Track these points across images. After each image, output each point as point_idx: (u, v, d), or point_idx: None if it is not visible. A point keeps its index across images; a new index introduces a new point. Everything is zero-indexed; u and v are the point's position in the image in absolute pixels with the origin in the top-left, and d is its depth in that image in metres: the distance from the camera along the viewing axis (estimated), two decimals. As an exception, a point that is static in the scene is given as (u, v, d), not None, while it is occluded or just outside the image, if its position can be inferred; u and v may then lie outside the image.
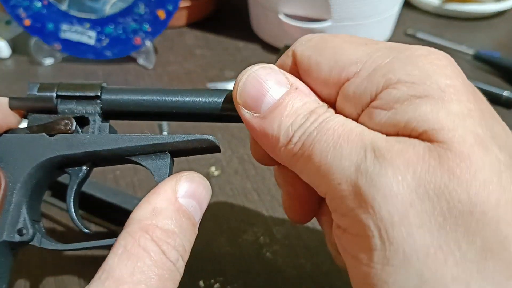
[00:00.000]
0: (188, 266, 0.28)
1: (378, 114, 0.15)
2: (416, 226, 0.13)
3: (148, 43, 0.48)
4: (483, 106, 0.15)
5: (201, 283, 0.27)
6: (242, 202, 0.32)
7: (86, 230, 0.20)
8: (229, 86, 0.45)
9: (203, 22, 0.58)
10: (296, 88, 0.17)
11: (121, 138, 0.19)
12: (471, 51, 0.49)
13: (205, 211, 0.31)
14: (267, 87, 0.17)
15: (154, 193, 0.17)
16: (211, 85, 0.45)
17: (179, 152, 0.19)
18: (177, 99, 0.20)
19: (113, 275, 0.15)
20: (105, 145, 0.19)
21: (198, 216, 0.18)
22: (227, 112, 0.20)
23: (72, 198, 0.20)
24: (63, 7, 0.47)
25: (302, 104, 0.17)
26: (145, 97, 0.20)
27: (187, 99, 0.20)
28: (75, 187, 0.20)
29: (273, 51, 0.50)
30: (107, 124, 0.20)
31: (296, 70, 0.18)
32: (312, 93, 0.17)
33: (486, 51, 0.49)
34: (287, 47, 0.46)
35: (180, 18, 0.56)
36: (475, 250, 0.13)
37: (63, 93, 0.20)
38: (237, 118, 0.19)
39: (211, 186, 0.35)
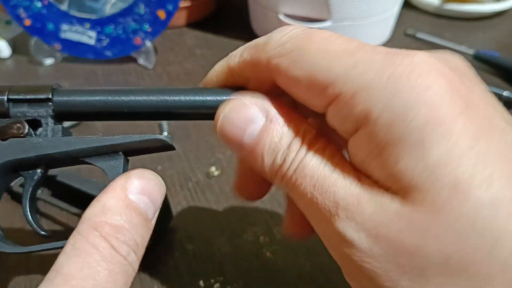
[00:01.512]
0: (188, 266, 0.28)
1: (361, 153, 0.15)
2: (395, 281, 0.14)
3: (148, 43, 0.48)
4: (480, 122, 0.14)
5: (201, 283, 0.27)
6: (242, 202, 0.32)
7: (42, 233, 0.20)
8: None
9: (203, 22, 0.58)
10: (271, 120, 0.17)
11: (73, 140, 0.19)
12: (471, 51, 0.49)
13: (205, 211, 0.31)
14: (244, 127, 0.17)
15: (104, 192, 0.17)
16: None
17: (133, 152, 0.20)
18: (129, 98, 0.20)
19: (62, 272, 0.15)
20: (57, 148, 0.19)
21: (151, 212, 0.18)
22: (177, 110, 0.20)
23: (28, 200, 0.20)
24: (63, 7, 0.47)
25: (278, 140, 0.17)
26: (97, 98, 0.20)
27: (139, 98, 0.20)
28: (30, 190, 0.20)
29: (273, 51, 0.50)
30: (60, 126, 0.20)
31: (271, 73, 0.17)
32: (289, 115, 0.17)
33: (486, 51, 0.49)
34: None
35: (180, 18, 0.56)
36: None
37: (14, 96, 0.20)
38: (190, 116, 0.20)
39: (211, 186, 0.35)
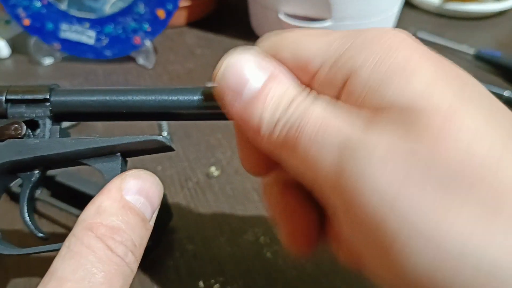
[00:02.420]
0: (188, 266, 0.28)
1: (353, 96, 0.15)
2: (416, 198, 0.13)
3: (148, 43, 0.48)
4: (447, 69, 0.15)
5: (201, 283, 0.27)
6: (243, 202, 0.32)
7: (40, 234, 0.20)
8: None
9: (203, 22, 0.58)
10: (277, 74, 0.17)
11: (71, 141, 0.19)
12: (471, 51, 0.49)
13: (205, 211, 0.31)
14: (247, 75, 0.17)
15: (100, 193, 0.17)
16: (211, 85, 0.45)
17: (131, 153, 0.19)
18: (127, 98, 0.19)
19: (56, 275, 0.15)
20: (54, 149, 0.19)
21: (148, 212, 0.17)
22: (175, 110, 0.20)
23: (26, 202, 0.20)
24: (63, 6, 0.47)
25: (283, 92, 0.16)
26: (95, 98, 0.20)
27: (137, 98, 0.19)
28: (27, 191, 0.20)
29: (273, 51, 0.50)
30: (58, 127, 0.20)
31: None
32: (293, 77, 0.17)
33: (487, 50, 0.49)
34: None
35: (180, 17, 0.56)
36: (483, 203, 0.12)
37: (12, 97, 0.20)
38: (189, 116, 0.20)
39: (211, 186, 0.35)
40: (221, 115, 0.20)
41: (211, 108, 0.19)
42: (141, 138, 0.19)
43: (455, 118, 0.13)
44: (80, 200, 0.30)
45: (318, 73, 0.16)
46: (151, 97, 0.19)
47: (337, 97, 0.16)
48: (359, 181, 0.14)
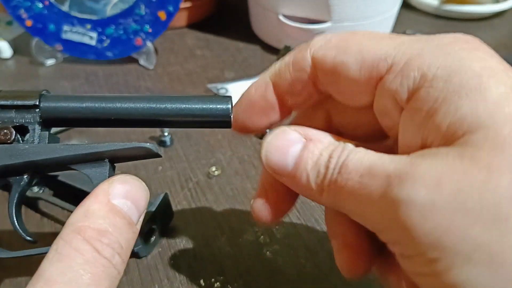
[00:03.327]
0: (189, 266, 0.28)
1: (418, 116, 0.15)
2: (468, 228, 0.13)
3: (149, 44, 0.48)
4: None
5: (201, 282, 0.27)
6: (243, 202, 0.32)
7: (28, 238, 0.20)
8: (229, 86, 0.45)
9: (204, 23, 0.58)
10: (310, 139, 0.18)
11: (59, 147, 0.19)
12: (470, 52, 0.49)
13: (205, 211, 0.32)
14: (286, 150, 0.18)
15: (87, 198, 0.17)
16: (211, 86, 0.45)
17: (119, 159, 0.20)
18: (115, 105, 0.20)
19: (44, 277, 0.15)
20: (43, 154, 0.19)
21: (135, 216, 0.18)
22: (164, 118, 0.20)
23: (14, 206, 0.20)
24: (64, 8, 0.47)
25: (319, 154, 0.17)
26: (84, 105, 0.20)
27: (126, 105, 0.20)
28: (16, 195, 0.20)
29: (273, 52, 0.51)
30: (47, 133, 0.20)
31: (315, 75, 0.18)
32: (327, 135, 0.18)
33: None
34: (287, 47, 0.47)
35: (180, 19, 0.56)
36: None
37: (2, 102, 0.20)
38: (178, 124, 0.20)
39: (211, 186, 0.35)
40: (211, 123, 0.20)
41: (199, 116, 0.20)
42: (129, 145, 0.19)
43: (510, 151, 0.13)
44: (81, 199, 0.30)
45: (386, 76, 0.16)
46: (140, 105, 0.20)
47: (402, 106, 0.16)
48: (408, 224, 0.14)
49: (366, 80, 0.17)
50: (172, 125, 0.20)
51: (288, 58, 0.19)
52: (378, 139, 0.20)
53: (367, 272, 0.20)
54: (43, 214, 0.31)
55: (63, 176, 0.30)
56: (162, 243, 0.29)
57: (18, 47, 0.52)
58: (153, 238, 0.29)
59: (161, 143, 0.38)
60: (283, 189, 0.21)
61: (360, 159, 0.16)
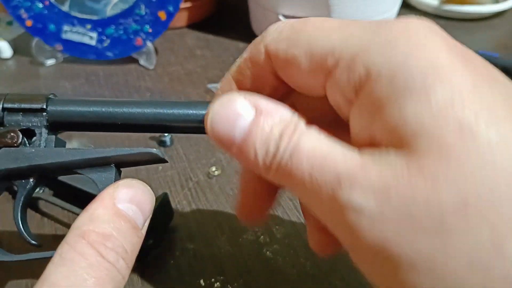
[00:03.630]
0: (189, 265, 0.28)
1: (365, 114, 0.15)
2: (412, 235, 0.13)
3: (149, 44, 0.48)
4: (480, 72, 0.14)
5: (201, 282, 0.27)
6: (243, 202, 0.32)
7: (33, 242, 0.20)
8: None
9: (204, 23, 0.58)
10: (261, 112, 0.16)
11: (66, 151, 0.19)
12: (470, 52, 0.49)
13: (206, 210, 0.32)
14: (234, 121, 0.16)
15: (93, 202, 0.17)
16: (211, 86, 0.45)
17: (125, 164, 0.20)
18: (122, 110, 0.20)
19: (49, 281, 0.15)
20: (49, 158, 0.19)
21: (140, 220, 0.18)
22: (170, 123, 0.20)
23: (19, 210, 0.20)
24: (65, 8, 0.47)
25: (269, 130, 0.16)
26: (91, 109, 0.20)
27: (133, 110, 0.20)
28: (22, 199, 0.20)
29: (273, 52, 0.51)
30: (53, 136, 0.20)
31: (269, 65, 0.18)
32: (279, 107, 0.17)
33: (485, 52, 0.49)
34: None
35: (180, 19, 0.56)
36: (484, 235, 0.12)
37: (9, 105, 0.20)
38: (185, 130, 0.20)
39: (211, 186, 0.35)
40: None
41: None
42: (135, 150, 0.19)
43: (455, 160, 0.12)
44: (82, 199, 0.30)
45: (334, 71, 0.15)
46: (147, 110, 0.20)
47: (351, 100, 0.15)
48: (355, 228, 0.14)
49: (317, 74, 0.16)
50: (179, 130, 0.20)
51: (245, 53, 0.19)
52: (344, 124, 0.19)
53: (337, 251, 0.21)
54: (43, 214, 0.31)
55: (64, 176, 0.30)
56: (162, 243, 0.29)
57: (18, 47, 0.52)
58: (151, 241, 0.29)
59: (161, 143, 0.38)
60: (259, 187, 0.21)
61: (313, 147, 0.15)
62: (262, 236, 0.30)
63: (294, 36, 0.17)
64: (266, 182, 0.20)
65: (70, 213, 0.31)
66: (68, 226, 0.31)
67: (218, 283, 0.27)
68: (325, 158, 0.15)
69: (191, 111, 0.20)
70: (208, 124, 0.17)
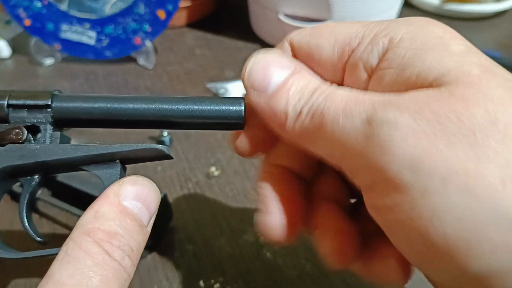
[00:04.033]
0: (188, 266, 0.28)
1: (388, 74, 0.16)
2: (446, 148, 0.13)
3: (148, 43, 0.48)
4: (474, 48, 0.16)
5: (201, 283, 0.27)
6: (242, 202, 0.32)
7: (38, 239, 0.20)
8: (229, 86, 0.45)
9: (203, 22, 0.58)
10: (301, 69, 0.18)
11: (71, 148, 0.19)
12: (471, 51, 0.49)
13: (205, 211, 0.31)
14: (273, 70, 0.18)
15: (98, 199, 0.17)
16: (211, 85, 0.45)
17: (130, 160, 0.20)
18: (127, 106, 0.20)
19: (54, 279, 0.15)
20: (54, 155, 0.19)
21: (145, 217, 0.18)
22: (176, 119, 0.20)
23: (25, 207, 0.20)
24: (63, 7, 0.47)
25: (307, 83, 0.17)
26: (96, 105, 0.20)
27: (138, 106, 0.20)
28: (27, 196, 0.20)
29: (273, 51, 0.50)
30: (59, 133, 0.20)
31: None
32: (315, 74, 0.18)
33: (487, 51, 0.49)
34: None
35: (180, 18, 0.56)
36: None
37: (14, 102, 0.20)
38: (190, 126, 0.20)
39: (211, 186, 0.35)
40: (224, 125, 0.20)
41: (212, 118, 0.19)
42: (141, 146, 0.19)
43: (483, 86, 0.14)
44: (81, 200, 0.30)
45: (357, 48, 0.17)
46: (152, 106, 0.20)
47: (373, 71, 0.17)
48: (389, 144, 0.14)
49: (339, 57, 0.18)
50: (185, 126, 0.20)
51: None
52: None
53: (352, 260, 0.19)
54: (42, 214, 0.31)
55: (62, 176, 0.30)
56: (161, 244, 0.29)
57: (16, 46, 0.51)
58: (150, 241, 0.28)
59: (160, 143, 0.37)
60: (294, 196, 0.20)
61: (348, 89, 0.17)
62: (262, 237, 0.29)
63: (317, 30, 0.19)
64: (296, 181, 0.20)
65: (68, 214, 0.31)
66: (66, 226, 0.31)
67: (217, 284, 0.27)
68: (360, 94, 0.16)
69: (196, 107, 0.20)
70: (248, 68, 0.18)
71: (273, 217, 0.20)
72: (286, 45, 0.20)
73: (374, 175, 0.15)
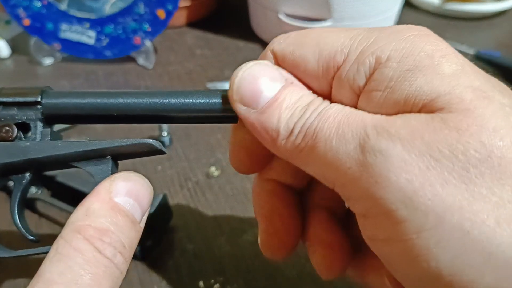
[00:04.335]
0: (188, 266, 0.28)
1: (375, 96, 0.15)
2: (440, 186, 0.13)
3: (148, 43, 0.48)
4: (468, 64, 0.15)
5: (201, 283, 0.27)
6: (242, 202, 0.32)
7: (30, 237, 0.20)
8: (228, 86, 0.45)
9: (203, 22, 0.58)
10: (292, 83, 0.17)
11: (61, 144, 0.19)
12: (471, 51, 0.49)
13: (205, 211, 0.31)
14: (263, 83, 0.17)
15: (88, 196, 0.17)
16: (211, 85, 0.45)
17: (122, 156, 0.19)
18: (118, 101, 0.19)
19: (44, 277, 0.15)
20: (45, 152, 0.19)
21: (138, 213, 0.17)
22: (167, 113, 0.20)
23: (16, 205, 0.20)
24: (63, 7, 0.47)
25: (299, 98, 0.17)
26: (86, 101, 0.20)
27: (128, 101, 0.19)
28: (18, 194, 0.20)
29: (273, 51, 0.50)
30: (49, 129, 0.20)
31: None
32: (306, 87, 0.17)
33: (487, 51, 0.49)
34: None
35: (180, 17, 0.56)
36: (509, 191, 0.13)
37: (3, 99, 0.20)
38: (182, 120, 0.20)
39: (211, 186, 0.35)
40: (216, 119, 0.20)
41: (204, 111, 0.19)
42: (132, 141, 0.19)
43: (476, 115, 0.13)
44: (80, 200, 0.30)
45: (343, 65, 0.16)
46: (143, 100, 0.19)
47: (360, 89, 0.16)
48: (383, 176, 0.14)
49: (324, 72, 0.17)
50: (177, 120, 0.20)
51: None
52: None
53: (343, 271, 0.20)
54: (41, 215, 0.31)
55: (61, 176, 0.30)
56: (162, 243, 0.29)
57: (16, 46, 0.51)
58: (150, 241, 0.28)
59: (161, 143, 0.37)
60: (288, 212, 0.20)
61: (340, 108, 0.16)
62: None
63: (301, 39, 0.17)
64: (289, 195, 0.20)
65: (68, 214, 0.31)
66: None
67: (217, 284, 0.27)
68: (352, 113, 0.15)
69: (188, 100, 0.19)
70: (236, 80, 0.17)
71: (270, 237, 0.21)
72: (269, 54, 0.18)
73: (368, 205, 0.15)
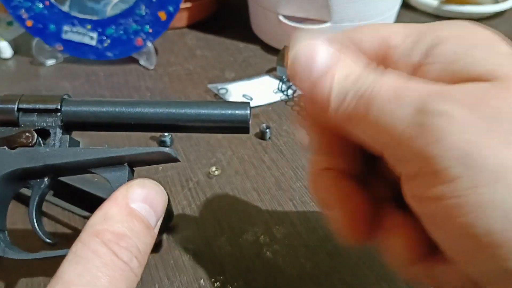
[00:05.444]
0: (189, 266, 0.28)
1: (434, 69, 0.16)
2: (501, 147, 0.13)
3: (149, 44, 0.48)
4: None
5: (201, 282, 0.27)
6: (243, 201, 0.33)
7: (48, 240, 0.20)
8: (229, 86, 0.45)
9: (204, 23, 0.58)
10: (346, 57, 0.18)
11: (80, 151, 0.20)
12: (470, 52, 0.49)
13: (206, 210, 0.32)
14: (318, 55, 0.18)
15: (106, 201, 0.17)
16: (211, 86, 0.45)
17: (138, 163, 0.20)
18: (135, 110, 0.20)
19: (63, 279, 0.15)
20: (64, 158, 0.19)
21: (153, 219, 0.18)
22: (183, 123, 0.20)
23: (35, 209, 0.20)
24: (65, 8, 0.47)
25: (351, 68, 0.17)
26: (105, 109, 0.20)
27: (146, 110, 0.20)
28: (37, 198, 0.20)
29: (273, 52, 0.51)
30: (67, 136, 0.21)
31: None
32: (360, 57, 0.18)
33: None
34: (287, 48, 0.47)
35: (181, 19, 0.56)
36: None
37: (24, 106, 0.20)
38: (197, 129, 0.20)
39: (211, 186, 0.35)
40: (229, 129, 0.20)
41: (218, 122, 0.20)
42: (149, 149, 0.19)
43: None
44: (82, 199, 0.30)
45: (399, 45, 0.17)
46: (160, 110, 0.20)
47: (420, 64, 0.17)
48: (442, 135, 0.14)
49: (378, 50, 0.18)
50: (191, 130, 0.21)
51: None
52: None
53: (370, 238, 0.19)
54: (44, 214, 0.31)
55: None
56: (162, 243, 0.29)
57: (18, 47, 0.52)
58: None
59: (161, 143, 0.38)
60: (357, 194, 0.19)
61: (395, 75, 0.16)
62: (262, 236, 0.30)
63: (358, 28, 0.19)
64: (350, 180, 0.20)
65: (70, 213, 0.31)
66: (68, 226, 0.31)
67: (218, 283, 0.27)
68: (411, 79, 0.16)
69: (203, 111, 0.20)
70: (293, 54, 0.18)
71: (349, 220, 0.19)
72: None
73: (421, 165, 0.15)
